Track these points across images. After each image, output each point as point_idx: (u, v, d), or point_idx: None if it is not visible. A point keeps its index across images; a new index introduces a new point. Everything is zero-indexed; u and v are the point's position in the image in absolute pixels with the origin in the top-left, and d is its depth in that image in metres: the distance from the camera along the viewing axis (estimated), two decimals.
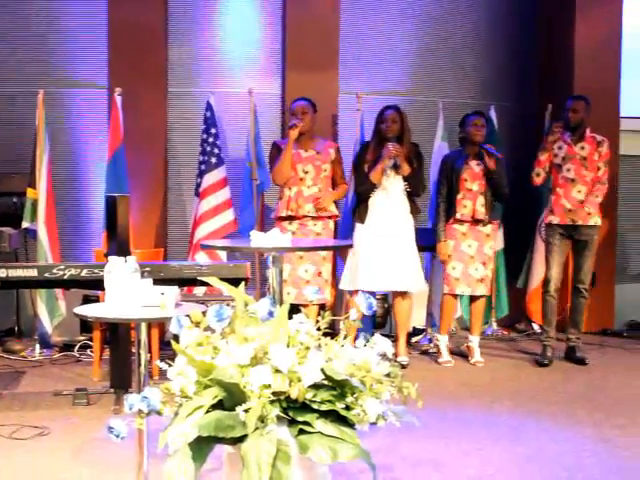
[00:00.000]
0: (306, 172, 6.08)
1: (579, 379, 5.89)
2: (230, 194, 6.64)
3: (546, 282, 6.36)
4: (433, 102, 7.34)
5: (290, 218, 6.07)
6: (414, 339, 6.99)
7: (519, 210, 7.50)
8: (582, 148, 6.22)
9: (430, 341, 6.82)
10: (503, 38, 7.86)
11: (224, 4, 7.03)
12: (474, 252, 6.26)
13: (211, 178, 6.59)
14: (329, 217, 6.17)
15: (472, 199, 6.21)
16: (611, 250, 7.72)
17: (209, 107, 6.65)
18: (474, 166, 6.24)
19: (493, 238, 6.38)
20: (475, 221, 6.23)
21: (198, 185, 6.64)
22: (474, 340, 6.39)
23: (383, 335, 2.90)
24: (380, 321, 7.01)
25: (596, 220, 6.24)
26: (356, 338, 2.88)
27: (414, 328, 7.19)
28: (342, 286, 6.26)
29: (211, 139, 6.61)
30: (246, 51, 7.07)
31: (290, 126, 6.00)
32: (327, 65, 6.99)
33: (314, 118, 6.17)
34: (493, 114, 7.24)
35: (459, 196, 6.23)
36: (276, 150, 6.14)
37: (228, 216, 6.60)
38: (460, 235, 6.27)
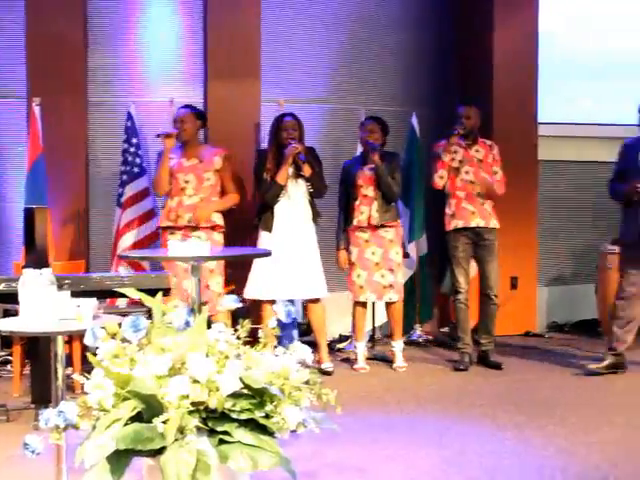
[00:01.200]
0: (187, 182, 6.00)
1: (500, 382, 5.97)
2: (152, 204, 6.60)
3: (455, 290, 6.43)
4: (355, 109, 7.39)
5: (171, 228, 5.98)
6: (339, 346, 7.02)
7: (443, 215, 7.56)
8: (477, 151, 6.36)
9: (355, 347, 6.84)
10: (423, 46, 7.95)
11: (144, 13, 6.98)
12: (379, 259, 6.28)
13: (133, 188, 6.53)
14: (212, 228, 6.01)
15: (368, 205, 6.26)
16: (532, 253, 7.86)
17: (130, 117, 6.59)
18: (367, 171, 6.28)
19: (398, 243, 6.40)
20: (375, 227, 6.27)
21: (120, 195, 6.58)
22: (396, 345, 6.43)
23: (308, 343, 2.91)
24: (305, 329, 7.01)
25: (495, 223, 6.35)
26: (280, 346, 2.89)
27: (340, 335, 7.23)
28: (247, 295, 6.18)
29: (132, 149, 6.56)
30: (167, 60, 7.03)
31: (162, 135, 5.93)
32: (249, 73, 6.98)
33: (196, 126, 6.11)
34: (414, 121, 7.32)
35: (356, 202, 6.29)
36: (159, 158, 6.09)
37: (151, 226, 6.55)
38: (363, 242, 6.30)
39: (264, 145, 6.69)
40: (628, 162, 5.92)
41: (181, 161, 6.03)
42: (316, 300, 6.22)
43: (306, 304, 6.37)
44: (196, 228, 5.96)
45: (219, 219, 6.04)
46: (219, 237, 6.02)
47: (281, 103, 6.90)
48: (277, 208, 6.14)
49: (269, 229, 6.13)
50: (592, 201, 8.31)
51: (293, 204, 6.15)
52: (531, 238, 7.81)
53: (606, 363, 6.05)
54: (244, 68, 6.96)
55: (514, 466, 4.09)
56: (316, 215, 6.24)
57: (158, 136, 5.94)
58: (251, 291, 6.18)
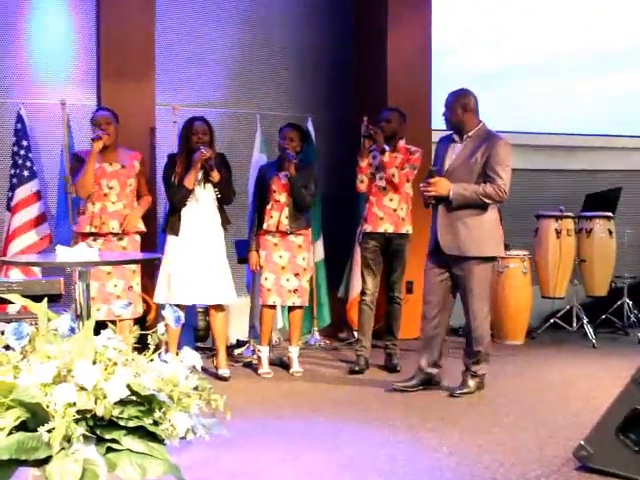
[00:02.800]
0: (111, 187, 5.95)
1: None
2: (44, 208, 6.46)
3: (362, 292, 6.50)
4: (250, 114, 7.39)
5: (93, 235, 5.91)
6: (236, 351, 6.99)
7: (339, 219, 7.64)
8: (395, 157, 6.38)
9: (253, 353, 6.82)
10: (319, 52, 8.00)
11: (35, 13, 6.82)
12: (285, 263, 6.31)
13: (23, 192, 6.39)
14: (136, 232, 6.04)
15: (279, 210, 6.28)
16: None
17: (20, 119, 6.44)
18: (282, 178, 6.31)
19: (306, 249, 6.43)
20: (284, 232, 6.29)
21: (10, 199, 6.42)
22: (293, 350, 6.45)
23: (206, 348, 2.89)
24: (202, 334, 6.97)
25: (407, 228, 6.43)
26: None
27: (237, 340, 7.21)
28: (156, 300, 6.17)
29: (23, 151, 6.41)
30: (59, 61, 6.89)
31: (93, 138, 5.85)
32: (143, 76, 6.90)
33: (117, 129, 6.05)
34: (310, 126, 7.36)
35: (268, 207, 6.30)
36: (77, 162, 6.00)
37: (43, 230, 6.41)
38: (272, 246, 6.32)
39: (162, 149, 6.65)
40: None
41: (103, 166, 5.94)
42: (219, 306, 6.19)
43: (208, 309, 6.32)
44: (120, 235, 5.92)
45: (141, 224, 6.04)
46: (139, 239, 6.07)
47: (176, 107, 6.85)
48: (185, 212, 6.09)
49: (176, 233, 6.08)
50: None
51: (201, 209, 6.10)
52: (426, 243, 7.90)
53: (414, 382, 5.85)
54: (138, 70, 6.88)
55: (407, 467, 4.14)
56: (225, 221, 6.21)
57: (93, 138, 5.82)
58: (159, 296, 6.12)
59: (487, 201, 5.45)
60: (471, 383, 5.72)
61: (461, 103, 5.53)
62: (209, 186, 6.09)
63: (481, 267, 5.53)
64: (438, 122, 7.93)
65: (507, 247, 7.73)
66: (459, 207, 5.46)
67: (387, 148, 6.31)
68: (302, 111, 7.63)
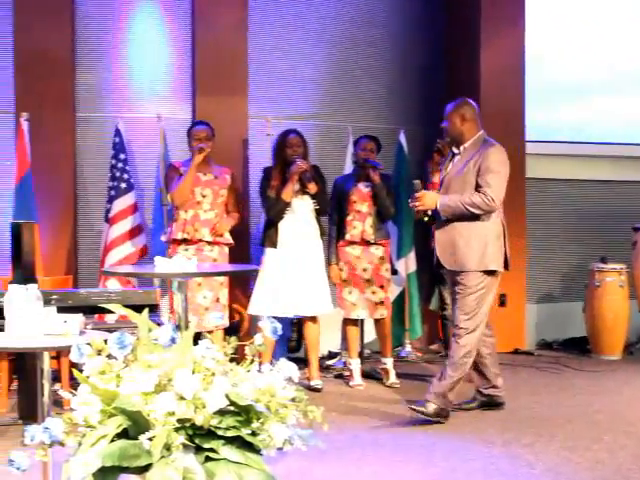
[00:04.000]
0: (204, 196, 6.03)
1: None
2: (140, 220, 6.58)
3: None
4: (342, 127, 7.41)
5: (185, 242, 6.00)
6: (328, 362, 7.00)
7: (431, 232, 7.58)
8: None
9: (344, 364, 6.82)
10: (411, 65, 7.99)
11: (133, 29, 6.99)
12: (369, 275, 6.30)
13: (121, 204, 6.52)
14: (226, 244, 6.09)
15: (361, 220, 6.28)
16: (520, 271, 7.86)
17: (118, 133, 6.59)
18: (363, 188, 6.31)
19: (387, 260, 6.41)
20: (366, 243, 6.27)
21: (108, 211, 6.56)
22: (388, 362, 6.43)
23: (297, 359, 2.90)
24: (294, 345, 7.01)
25: None
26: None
27: (329, 352, 7.22)
28: (251, 311, 6.23)
29: (120, 165, 6.54)
30: (155, 77, 7.04)
31: (198, 148, 5.95)
32: (236, 89, 7.00)
33: (214, 143, 6.15)
34: (403, 138, 7.34)
35: (349, 218, 6.31)
36: (174, 171, 6.09)
37: (139, 242, 6.53)
38: (354, 258, 6.32)
39: (255, 161, 6.72)
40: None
41: (198, 175, 6.04)
42: (313, 317, 6.21)
43: (302, 320, 6.36)
44: (212, 243, 6.00)
45: (229, 236, 6.12)
46: (227, 251, 6.13)
47: (268, 120, 6.91)
48: (282, 225, 6.14)
49: (274, 245, 6.13)
50: (581, 219, 8.36)
51: (298, 221, 6.15)
52: (520, 256, 7.80)
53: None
54: (231, 84, 6.98)
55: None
56: (322, 232, 6.25)
57: (197, 149, 5.94)
58: (255, 307, 6.18)
59: (475, 211, 5.17)
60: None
61: (459, 113, 5.33)
62: (306, 198, 6.12)
63: (472, 281, 5.24)
64: (531, 134, 7.93)
65: (604, 260, 7.61)
66: (452, 219, 5.24)
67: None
68: (394, 123, 7.62)
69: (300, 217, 6.14)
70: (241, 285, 6.59)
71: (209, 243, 6.01)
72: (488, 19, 7.75)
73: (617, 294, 7.60)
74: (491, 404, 5.60)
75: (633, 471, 4.24)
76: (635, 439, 4.86)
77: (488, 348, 5.51)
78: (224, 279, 6.04)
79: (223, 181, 6.13)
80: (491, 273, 5.28)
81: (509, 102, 7.72)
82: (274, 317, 3.14)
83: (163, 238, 6.24)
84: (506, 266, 5.36)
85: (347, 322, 6.39)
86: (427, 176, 6.36)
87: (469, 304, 5.23)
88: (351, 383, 6.35)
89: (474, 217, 5.22)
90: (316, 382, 6.14)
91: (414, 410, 5.17)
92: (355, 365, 6.38)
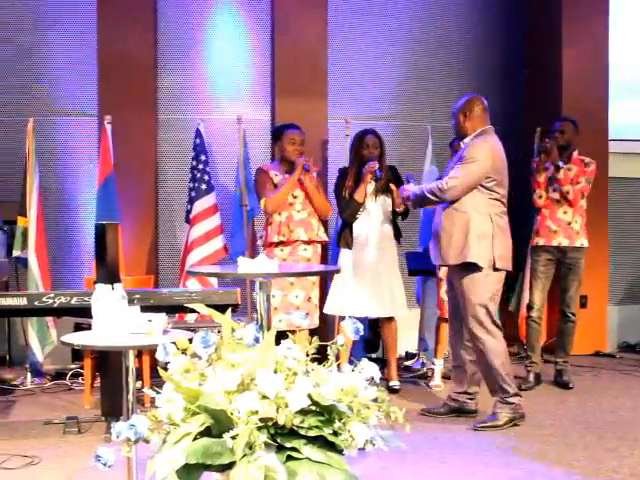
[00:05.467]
0: (295, 197, 6.06)
1: (571, 402, 5.88)
2: (220, 220, 6.65)
3: (529, 307, 6.37)
4: (421, 127, 7.38)
5: (281, 244, 6.03)
6: (406, 363, 6.99)
7: (512, 232, 7.50)
8: (569, 169, 6.23)
9: (422, 365, 6.80)
10: (490, 62, 7.92)
11: (213, 32, 7.08)
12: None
13: (201, 204, 6.59)
14: (319, 242, 6.12)
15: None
16: (602, 271, 7.74)
17: (198, 134, 6.67)
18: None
19: None
20: None
21: (188, 212, 6.65)
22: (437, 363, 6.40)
23: (375, 359, 2.90)
24: (371, 345, 7.01)
25: (582, 242, 6.26)
26: (351, 362, 2.89)
27: (406, 352, 7.20)
28: (326, 310, 6.24)
29: (201, 166, 6.62)
30: (235, 78, 7.12)
31: (306, 169, 5.93)
32: (316, 91, 7.03)
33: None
34: None
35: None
36: (264, 175, 6.10)
37: (219, 242, 6.60)
38: None
39: (335, 162, 6.73)
40: None
41: (286, 176, 6.05)
42: (391, 317, 6.20)
43: (380, 321, 6.35)
44: (307, 242, 6.02)
45: (324, 234, 6.14)
46: (320, 251, 6.17)
47: (348, 120, 6.92)
48: (357, 225, 6.15)
49: (349, 246, 6.14)
50: None
51: (373, 222, 6.14)
52: (602, 256, 7.69)
53: None
54: (311, 86, 7.01)
55: None
56: (398, 233, 6.22)
57: (304, 168, 5.93)
58: (331, 307, 6.20)
59: (430, 197, 5.11)
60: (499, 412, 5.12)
61: (464, 110, 5.22)
62: (381, 199, 6.11)
63: (467, 276, 5.11)
64: (616, 132, 7.79)
65: None
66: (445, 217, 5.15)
67: (561, 164, 6.18)
68: None
69: (375, 218, 6.13)
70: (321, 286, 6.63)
71: (304, 242, 6.03)
72: (570, 18, 7.63)
73: None
74: (461, 411, 5.40)
75: None
76: None
77: (471, 355, 5.32)
78: (316, 279, 6.08)
79: (312, 180, 6.12)
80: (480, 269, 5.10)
81: (592, 99, 7.60)
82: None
83: (259, 242, 6.30)
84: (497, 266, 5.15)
85: (441, 321, 6.35)
86: (533, 175, 6.29)
87: (472, 301, 5.12)
88: (431, 383, 6.32)
89: (460, 211, 5.11)
90: (394, 383, 6.13)
91: (484, 428, 5.08)
92: (438, 366, 6.34)
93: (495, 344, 5.11)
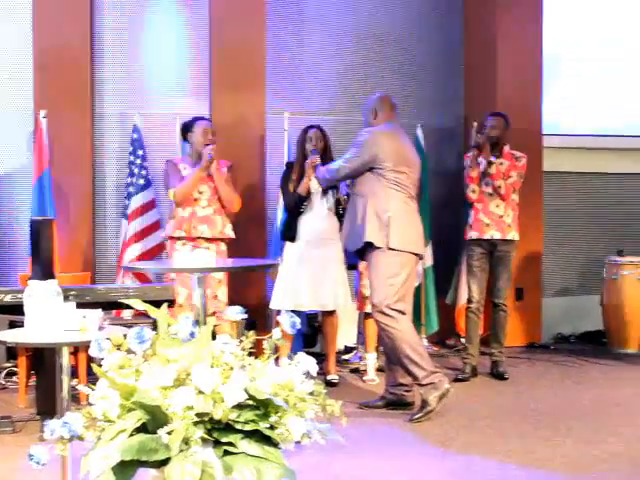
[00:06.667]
0: (201, 192, 5.90)
1: (506, 393, 5.97)
2: (159, 215, 6.61)
3: (469, 299, 6.45)
4: (360, 121, 7.39)
5: (183, 239, 5.85)
6: (345, 357, 7.02)
7: (448, 226, 7.60)
8: (501, 164, 6.33)
9: (361, 359, 6.84)
10: (429, 60, 7.98)
11: (151, 26, 7.02)
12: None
13: (139, 200, 6.55)
14: (223, 240, 5.93)
15: None
16: (537, 265, 7.87)
17: (136, 129, 6.62)
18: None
19: None
20: None
21: (126, 207, 6.60)
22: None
23: (314, 353, 2.91)
24: (310, 339, 7.03)
25: (513, 235, 6.36)
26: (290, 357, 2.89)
27: (345, 346, 7.23)
28: (272, 305, 6.24)
29: (138, 161, 6.57)
30: (173, 73, 7.07)
31: (210, 158, 5.77)
32: (254, 86, 7.01)
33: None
34: (420, 133, 7.36)
35: None
36: (173, 168, 5.93)
37: (157, 238, 6.56)
38: None
39: (273, 157, 6.75)
40: None
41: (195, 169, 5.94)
42: (332, 311, 6.23)
43: (320, 315, 6.37)
44: (210, 240, 5.87)
45: (230, 231, 5.98)
46: (225, 248, 5.97)
47: (286, 115, 6.92)
48: (301, 219, 6.16)
49: (292, 239, 6.15)
50: (597, 212, 8.35)
51: (317, 215, 6.16)
52: (537, 249, 7.81)
53: None
54: (249, 80, 6.99)
55: (520, 478, 4.09)
56: (341, 227, 6.23)
57: (209, 158, 5.79)
58: (276, 302, 6.19)
59: (329, 177, 5.53)
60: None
61: (371, 107, 5.44)
62: (326, 193, 6.14)
63: (369, 258, 5.27)
64: (549, 128, 7.92)
65: (621, 253, 7.60)
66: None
67: (493, 159, 6.27)
68: (412, 118, 7.60)
69: (319, 212, 6.16)
70: (258, 280, 6.62)
71: (207, 240, 5.86)
72: (505, 15, 7.73)
73: (634, 287, 7.57)
74: (399, 403, 5.45)
75: None
76: None
77: None
78: (223, 276, 5.87)
79: (222, 174, 5.97)
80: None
81: (526, 95, 7.72)
82: (293, 311, 3.16)
83: (162, 235, 6.20)
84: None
85: (365, 316, 6.39)
86: (466, 170, 6.37)
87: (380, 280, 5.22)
88: (364, 377, 6.36)
89: (360, 196, 5.28)
90: (332, 377, 6.16)
91: (420, 419, 5.11)
92: (370, 360, 6.38)
93: (398, 330, 5.16)
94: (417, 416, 5.11)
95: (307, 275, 6.10)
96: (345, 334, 7.05)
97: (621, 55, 8.40)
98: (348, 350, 7.18)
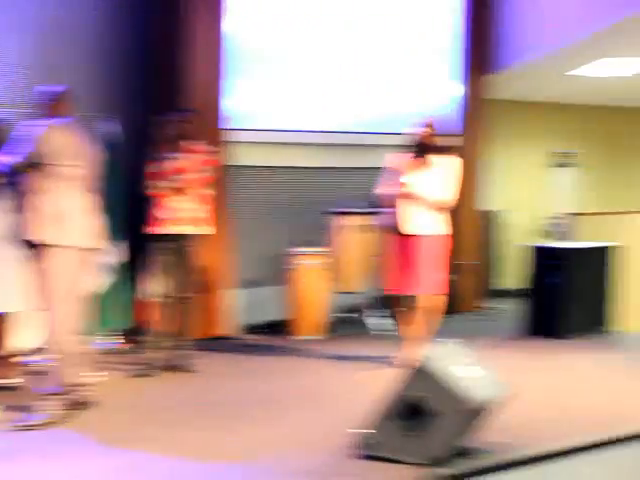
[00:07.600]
0: None
1: (191, 386, 6.03)
2: None
3: (156, 293, 6.45)
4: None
5: None
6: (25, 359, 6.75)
7: (137, 222, 7.50)
8: (185, 159, 6.36)
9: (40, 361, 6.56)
10: (112, 54, 7.86)
11: None
12: None
13: None
14: None
15: None
16: (226, 257, 7.96)
17: None
18: None
19: None
20: None
21: None
22: None
23: None
24: None
25: (197, 229, 6.44)
26: None
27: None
28: None
29: None
30: None
31: None
32: None
33: None
34: (104, 128, 7.24)
35: None
36: None
37: None
38: None
39: None
40: None
41: None
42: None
43: None
44: None
45: None
46: None
47: None
48: None
49: None
50: (282, 205, 8.64)
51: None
52: (224, 241, 7.90)
53: None
54: None
55: (190, 470, 4.14)
56: None
57: None
58: None
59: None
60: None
61: (47, 100, 5.40)
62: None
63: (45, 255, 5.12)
64: (236, 123, 8.06)
65: (302, 244, 7.90)
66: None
67: (175, 155, 6.30)
68: (94, 112, 7.42)
69: None
70: None
71: None
72: (190, 13, 7.76)
73: (315, 276, 7.90)
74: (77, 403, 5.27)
75: (316, 443, 4.45)
76: (321, 413, 5.16)
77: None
78: None
79: None
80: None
81: (208, 92, 7.80)
82: None
83: None
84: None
85: None
86: (148, 165, 6.31)
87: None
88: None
89: (31, 192, 5.19)
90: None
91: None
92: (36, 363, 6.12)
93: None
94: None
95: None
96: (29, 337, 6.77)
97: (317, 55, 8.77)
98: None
